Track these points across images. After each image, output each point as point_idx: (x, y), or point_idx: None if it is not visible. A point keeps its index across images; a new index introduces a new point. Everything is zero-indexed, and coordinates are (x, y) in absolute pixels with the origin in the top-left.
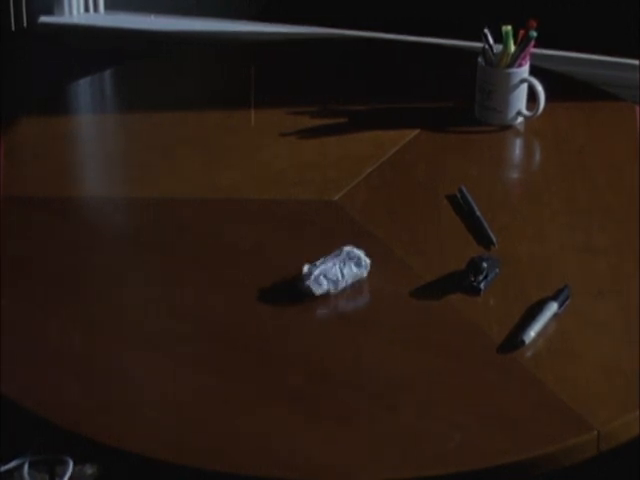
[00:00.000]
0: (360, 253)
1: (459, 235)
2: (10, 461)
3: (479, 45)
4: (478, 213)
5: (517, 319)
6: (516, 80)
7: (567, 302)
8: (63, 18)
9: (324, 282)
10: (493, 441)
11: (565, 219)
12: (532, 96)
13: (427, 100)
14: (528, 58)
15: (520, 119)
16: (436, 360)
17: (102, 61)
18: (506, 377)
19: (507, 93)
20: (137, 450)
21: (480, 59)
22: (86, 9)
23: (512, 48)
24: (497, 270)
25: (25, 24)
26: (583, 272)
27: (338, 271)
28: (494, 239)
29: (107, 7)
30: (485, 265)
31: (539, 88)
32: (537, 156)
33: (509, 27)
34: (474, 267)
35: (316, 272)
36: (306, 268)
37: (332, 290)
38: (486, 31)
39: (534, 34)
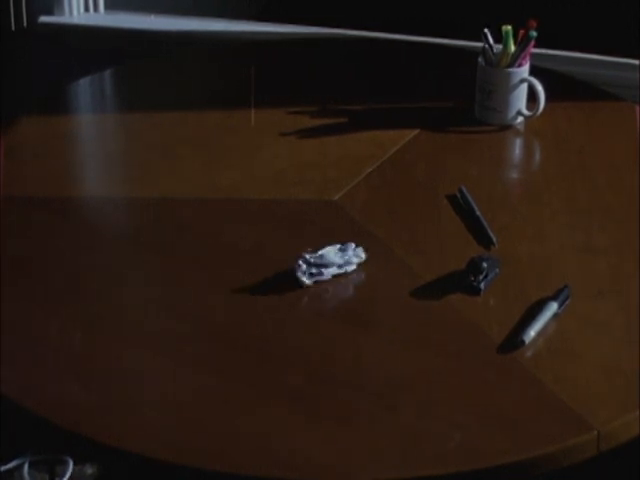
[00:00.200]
0: (352, 244)
1: (459, 235)
2: (10, 461)
3: (479, 45)
4: (478, 213)
5: (517, 319)
6: (516, 80)
7: (567, 302)
8: (63, 18)
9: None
10: (493, 441)
11: (565, 219)
12: (532, 96)
13: (427, 100)
14: (528, 58)
15: (520, 119)
16: (436, 360)
17: (102, 61)
18: (506, 377)
19: (507, 93)
20: (137, 450)
21: (480, 59)
22: (86, 9)
23: (512, 48)
24: (497, 270)
25: (25, 24)
26: (583, 272)
27: (332, 257)
28: (494, 239)
29: (107, 7)
30: (485, 265)
31: (539, 88)
32: (537, 156)
33: (509, 27)
34: (474, 267)
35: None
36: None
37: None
38: (486, 31)
39: (534, 34)
